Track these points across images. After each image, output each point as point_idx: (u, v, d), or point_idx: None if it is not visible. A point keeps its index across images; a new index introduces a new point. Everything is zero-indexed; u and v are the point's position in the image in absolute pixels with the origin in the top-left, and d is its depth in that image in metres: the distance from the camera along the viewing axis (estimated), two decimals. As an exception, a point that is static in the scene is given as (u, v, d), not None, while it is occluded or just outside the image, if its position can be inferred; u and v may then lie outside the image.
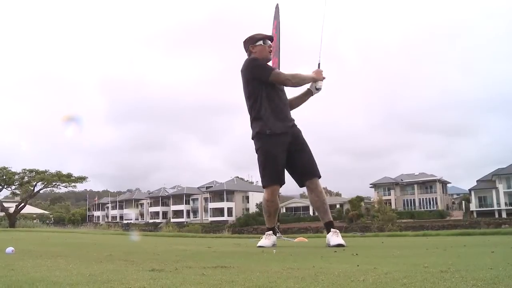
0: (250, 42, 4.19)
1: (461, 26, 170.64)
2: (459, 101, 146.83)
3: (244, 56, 4.33)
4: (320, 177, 4.05)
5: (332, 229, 3.93)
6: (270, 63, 4.29)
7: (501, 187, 67.64)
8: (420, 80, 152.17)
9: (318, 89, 4.22)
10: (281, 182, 4.01)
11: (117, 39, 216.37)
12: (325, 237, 4.06)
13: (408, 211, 71.99)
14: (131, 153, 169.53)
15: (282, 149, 3.97)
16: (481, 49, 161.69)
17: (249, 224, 75.64)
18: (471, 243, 5.08)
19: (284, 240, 4.27)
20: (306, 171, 4.03)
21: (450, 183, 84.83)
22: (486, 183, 70.67)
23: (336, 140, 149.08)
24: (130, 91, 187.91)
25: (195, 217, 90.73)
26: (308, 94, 4.35)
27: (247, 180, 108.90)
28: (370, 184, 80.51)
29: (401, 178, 79.52)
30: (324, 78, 4.22)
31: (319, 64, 4.22)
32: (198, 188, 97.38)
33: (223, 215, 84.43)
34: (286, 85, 4.13)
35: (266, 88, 4.04)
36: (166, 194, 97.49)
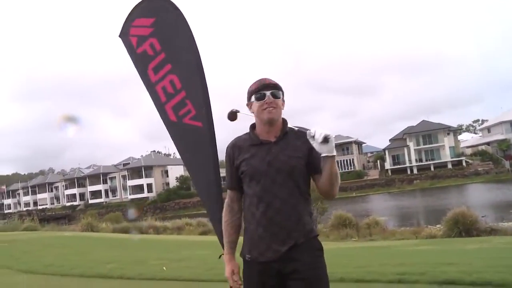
0: (247, 99, 2.70)
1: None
2: (359, 62, 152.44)
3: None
4: None
5: None
6: (278, 122, 2.63)
7: (412, 144, 71.31)
8: (321, 42, 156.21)
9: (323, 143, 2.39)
10: None
11: (23, 12, 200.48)
12: None
13: (327, 174, 73.78)
14: (41, 132, 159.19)
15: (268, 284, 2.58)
16: (380, 12, 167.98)
17: (170, 199, 75.33)
18: None
19: None
20: None
21: (365, 143, 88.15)
22: (398, 142, 74.17)
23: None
24: (37, 68, 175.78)
25: (114, 196, 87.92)
26: (323, 161, 2.47)
27: (164, 153, 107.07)
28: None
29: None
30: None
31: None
32: (115, 166, 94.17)
33: (143, 192, 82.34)
34: None
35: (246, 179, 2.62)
36: (82, 174, 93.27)
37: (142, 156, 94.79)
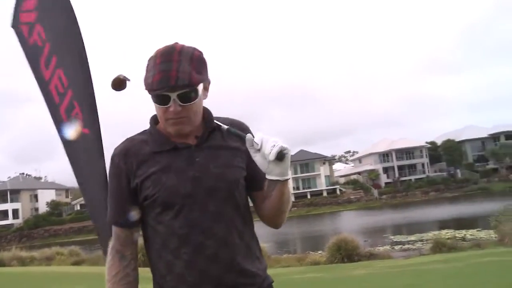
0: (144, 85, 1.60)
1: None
2: (241, 92, 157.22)
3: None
4: None
5: None
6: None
7: (290, 173, 73.45)
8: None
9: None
10: None
11: None
12: None
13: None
14: None
15: None
16: (267, 39, 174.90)
17: (39, 226, 69.71)
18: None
19: None
20: None
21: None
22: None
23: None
24: None
25: (-27, 223, 79.01)
26: (271, 184, 1.60)
27: (35, 177, 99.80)
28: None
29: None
30: None
31: None
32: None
33: (7, 218, 75.06)
34: None
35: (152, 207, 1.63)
36: None
37: (9, 178, 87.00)
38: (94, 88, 2.88)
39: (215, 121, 1.68)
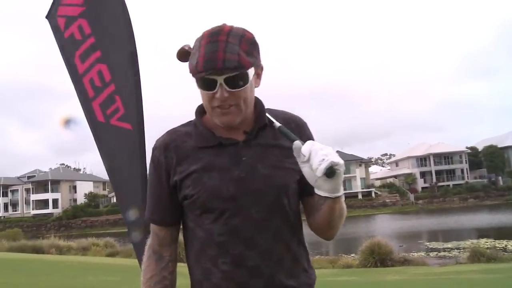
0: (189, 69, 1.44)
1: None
2: (279, 91, 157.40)
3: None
4: None
5: None
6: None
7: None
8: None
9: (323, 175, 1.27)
10: None
11: None
12: None
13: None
14: None
15: None
16: (304, 37, 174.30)
17: (77, 217, 71.49)
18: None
19: None
20: None
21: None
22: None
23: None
24: None
25: (15, 211, 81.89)
26: (320, 199, 1.38)
27: (74, 168, 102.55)
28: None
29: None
30: None
31: None
32: (18, 178, 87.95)
33: (47, 207, 77.38)
34: None
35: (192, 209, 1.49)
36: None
37: (50, 169, 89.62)
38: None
39: (267, 115, 1.50)
